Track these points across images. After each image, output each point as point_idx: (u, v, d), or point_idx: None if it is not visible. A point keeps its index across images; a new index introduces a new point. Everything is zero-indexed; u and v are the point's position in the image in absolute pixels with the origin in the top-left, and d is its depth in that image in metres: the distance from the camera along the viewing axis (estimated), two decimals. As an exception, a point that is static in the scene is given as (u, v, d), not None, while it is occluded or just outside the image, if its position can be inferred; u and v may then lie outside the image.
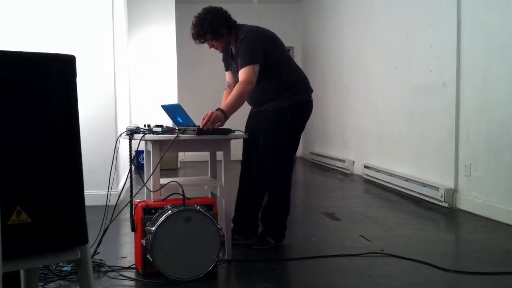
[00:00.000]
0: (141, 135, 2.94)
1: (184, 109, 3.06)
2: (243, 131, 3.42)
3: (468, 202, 4.62)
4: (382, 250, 3.35)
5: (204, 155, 3.80)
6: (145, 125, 3.10)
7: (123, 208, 3.08)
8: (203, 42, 3.34)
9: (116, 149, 3.16)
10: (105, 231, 2.96)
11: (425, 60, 5.35)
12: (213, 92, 8.65)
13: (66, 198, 1.67)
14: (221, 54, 3.54)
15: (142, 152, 6.48)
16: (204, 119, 2.96)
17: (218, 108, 3.07)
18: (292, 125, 3.37)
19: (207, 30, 3.24)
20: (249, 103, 3.49)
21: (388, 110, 6.34)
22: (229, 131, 3.13)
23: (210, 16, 3.25)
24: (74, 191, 1.69)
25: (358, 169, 7.38)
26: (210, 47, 3.39)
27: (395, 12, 6.12)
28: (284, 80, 3.38)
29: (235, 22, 3.36)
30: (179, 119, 3.17)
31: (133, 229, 2.92)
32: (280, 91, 3.36)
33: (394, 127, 6.21)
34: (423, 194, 5.21)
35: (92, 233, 2.09)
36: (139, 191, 3.14)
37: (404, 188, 5.64)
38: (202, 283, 2.74)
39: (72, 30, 4.96)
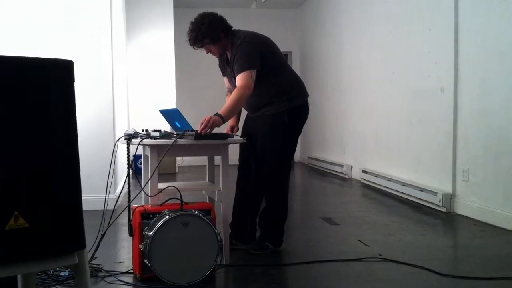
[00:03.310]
0: (139, 139, 2.94)
1: (182, 113, 3.07)
2: (240, 135, 3.43)
3: (466, 207, 4.62)
4: (380, 255, 3.34)
5: (202, 160, 3.80)
6: (143, 130, 3.10)
7: (120, 213, 3.07)
8: (201, 47, 3.35)
9: (114, 154, 3.16)
10: (102, 236, 2.96)
11: (423, 65, 5.37)
12: (211, 96, 8.69)
13: (63, 203, 1.67)
14: (218, 59, 3.55)
15: (140, 156, 6.48)
16: (202, 123, 2.96)
17: (216, 113, 3.07)
18: (289, 129, 3.38)
19: (205, 34, 3.25)
20: (245, 108, 3.49)
21: (386, 115, 6.35)
22: (227, 135, 3.14)
23: (208, 20, 3.26)
24: (72, 196, 1.69)
25: (356, 174, 7.38)
26: (207, 52, 3.40)
27: (393, 18, 6.14)
28: (281, 85, 3.38)
29: (231, 27, 3.38)
30: (177, 123, 3.17)
31: (131, 234, 2.92)
32: (277, 96, 3.37)
33: (392, 132, 6.22)
34: (421, 199, 5.22)
35: (90, 238, 2.09)
36: (137, 195, 3.13)
37: (402, 193, 5.64)
38: (200, 288, 2.73)
39: (70, 32, 4.96)
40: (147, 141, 2.93)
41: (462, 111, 4.70)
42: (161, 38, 8.35)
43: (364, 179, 6.87)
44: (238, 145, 3.44)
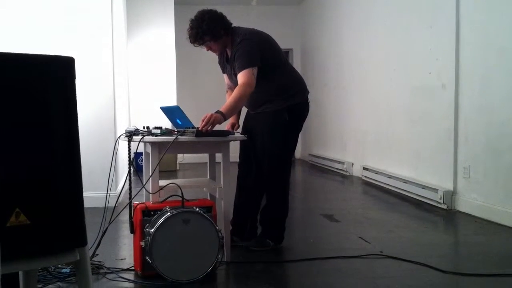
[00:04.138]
0: (140, 137, 2.94)
1: (183, 111, 3.07)
2: (240, 133, 3.43)
3: (467, 204, 4.62)
4: (381, 252, 3.35)
5: (203, 157, 3.80)
6: (144, 127, 3.10)
7: (122, 210, 3.07)
8: (201, 45, 3.34)
9: (115, 151, 3.16)
10: (104, 233, 2.96)
11: (424, 62, 5.36)
12: (212, 93, 8.68)
13: (65, 200, 1.67)
14: (218, 56, 3.55)
15: (141, 154, 6.48)
16: (203, 121, 2.96)
17: (218, 110, 3.07)
18: (289, 126, 3.38)
19: (206, 31, 3.24)
20: (245, 105, 3.48)
21: (387, 112, 6.35)
22: (228, 133, 3.14)
23: (208, 18, 3.25)
24: (73, 193, 1.69)
25: (357, 171, 7.38)
26: (208, 50, 3.39)
27: (394, 15, 6.13)
28: (281, 82, 3.38)
29: (231, 24, 3.37)
30: (178, 121, 3.17)
31: (132, 231, 2.92)
32: (277, 93, 3.36)
33: (393, 129, 6.21)
34: (422, 196, 5.21)
35: (91, 235, 2.09)
36: (138, 193, 3.13)
37: (403, 190, 5.64)
38: (201, 285, 2.73)
39: (71, 31, 4.96)
40: (148, 138, 2.93)
41: (463, 108, 4.70)
42: (162, 35, 8.34)
43: (365, 176, 6.87)
44: (238, 142, 3.44)
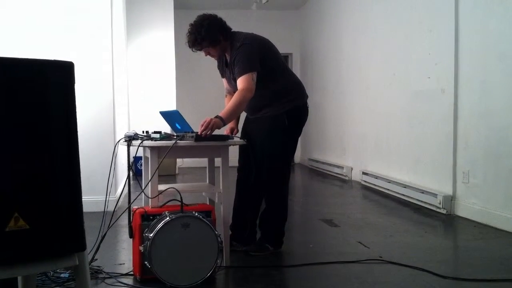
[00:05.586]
0: (139, 141, 2.94)
1: (183, 115, 3.07)
2: (240, 137, 3.43)
3: (467, 208, 4.62)
4: (381, 257, 3.34)
5: (202, 161, 3.80)
6: (143, 131, 3.10)
7: (121, 215, 3.07)
8: (199, 50, 3.34)
9: (114, 155, 3.16)
10: (103, 237, 2.95)
11: (423, 66, 5.37)
12: (212, 98, 8.69)
13: (64, 204, 1.67)
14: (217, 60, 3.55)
15: (140, 158, 6.47)
16: (202, 125, 2.96)
17: (217, 115, 3.07)
18: (288, 130, 3.38)
19: (205, 37, 3.25)
20: (245, 110, 3.49)
21: (387, 116, 6.35)
22: (227, 137, 3.14)
23: (207, 23, 3.25)
24: (72, 198, 1.69)
25: (356, 176, 7.38)
26: (206, 55, 3.39)
27: (393, 19, 6.15)
28: (280, 86, 3.38)
29: (230, 29, 3.37)
30: (177, 125, 3.17)
31: (131, 235, 2.92)
32: (276, 97, 3.37)
33: (393, 133, 6.22)
34: (421, 201, 5.21)
35: (90, 240, 2.09)
36: (137, 197, 3.13)
37: (403, 194, 5.64)
38: (200, 289, 2.73)
39: (70, 34, 4.96)
40: (147, 142, 2.93)
41: (463, 112, 4.70)
42: (161, 39, 8.35)
43: (364, 181, 6.87)
44: (238, 146, 3.44)
